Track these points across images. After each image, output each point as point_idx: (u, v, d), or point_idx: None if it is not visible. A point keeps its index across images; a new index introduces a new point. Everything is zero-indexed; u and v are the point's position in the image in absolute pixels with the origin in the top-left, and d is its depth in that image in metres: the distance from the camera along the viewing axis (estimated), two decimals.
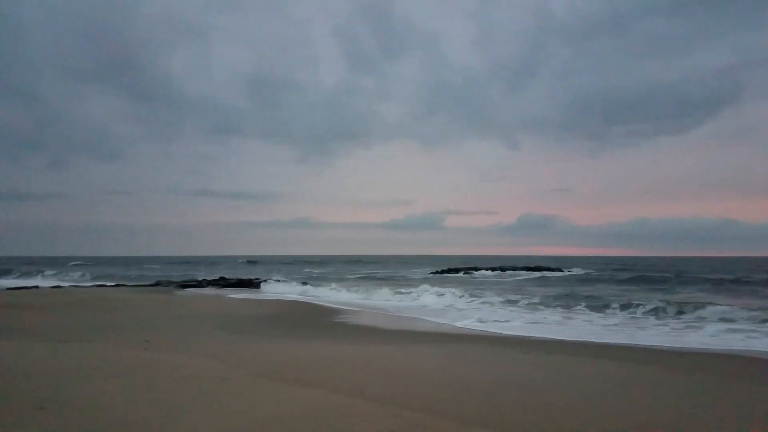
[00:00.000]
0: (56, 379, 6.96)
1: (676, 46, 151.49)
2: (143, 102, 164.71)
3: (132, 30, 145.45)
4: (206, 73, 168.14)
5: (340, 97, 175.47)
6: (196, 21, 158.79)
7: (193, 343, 11.78)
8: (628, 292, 32.16)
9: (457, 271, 65.16)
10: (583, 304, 22.68)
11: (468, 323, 18.06)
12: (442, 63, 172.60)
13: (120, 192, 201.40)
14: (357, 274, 61.25)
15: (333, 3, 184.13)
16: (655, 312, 20.16)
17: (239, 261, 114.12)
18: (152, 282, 43.57)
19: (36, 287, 34.67)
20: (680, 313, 19.53)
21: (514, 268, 68.25)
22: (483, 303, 24.97)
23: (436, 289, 30.43)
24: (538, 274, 60.67)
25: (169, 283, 41.32)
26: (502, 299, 25.88)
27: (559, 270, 66.28)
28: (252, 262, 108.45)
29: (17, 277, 55.62)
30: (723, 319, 17.80)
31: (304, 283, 38.68)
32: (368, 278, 51.23)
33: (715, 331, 15.75)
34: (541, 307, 23.13)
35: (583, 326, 17.42)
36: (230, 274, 52.23)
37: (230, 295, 30.58)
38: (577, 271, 65.40)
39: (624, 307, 21.52)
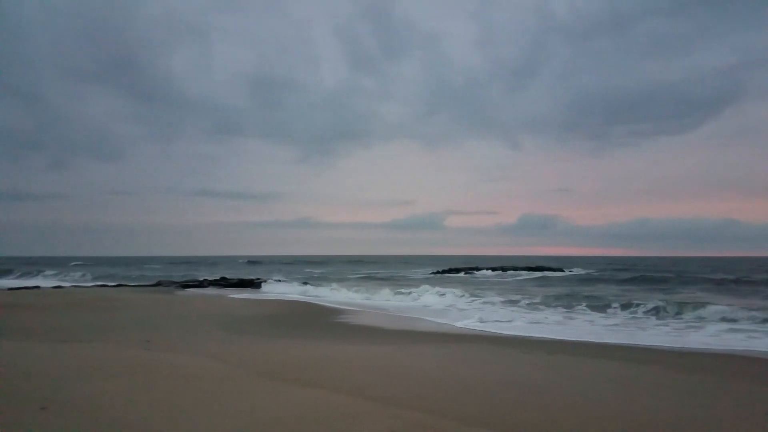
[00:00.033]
0: (57, 379, 6.97)
1: (677, 46, 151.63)
2: (143, 102, 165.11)
3: (132, 30, 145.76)
4: (207, 73, 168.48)
5: (341, 97, 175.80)
6: (197, 21, 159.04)
7: (193, 343, 11.79)
8: (628, 292, 32.14)
9: (458, 271, 65.13)
10: (584, 304, 22.67)
11: (469, 323, 18.06)
12: (443, 63, 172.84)
13: (121, 192, 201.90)
14: (358, 274, 61.25)
15: (333, 3, 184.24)
16: (656, 312, 20.16)
17: (240, 261, 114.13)
18: (153, 282, 43.61)
19: (37, 287, 34.70)
20: (681, 313, 19.53)
21: (515, 268, 68.22)
22: (484, 303, 24.97)
23: (437, 289, 30.43)
24: (539, 274, 60.64)
25: (170, 283, 41.37)
26: (503, 299, 25.88)
27: (560, 270, 66.24)
28: (253, 262, 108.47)
29: (18, 277, 55.66)
30: (724, 319, 17.80)
31: (305, 283, 38.69)
32: (369, 278, 51.22)
33: (716, 331, 15.75)
34: (542, 307, 23.12)
35: (584, 326, 17.41)
36: (231, 274, 52.26)
37: (231, 295, 30.59)
38: (577, 271, 65.35)
39: (625, 307, 21.51)
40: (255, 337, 13.61)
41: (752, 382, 8.90)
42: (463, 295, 27.53)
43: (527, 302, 24.60)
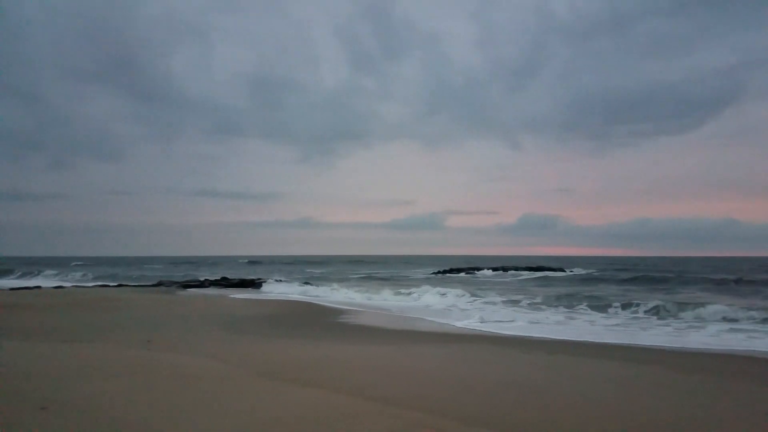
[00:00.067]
0: (57, 379, 6.97)
1: (677, 46, 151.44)
2: (144, 102, 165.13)
3: (132, 30, 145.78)
4: (207, 73, 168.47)
5: (341, 97, 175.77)
6: (197, 21, 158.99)
7: (194, 343, 11.80)
8: (629, 292, 32.13)
9: (458, 271, 65.12)
10: (585, 304, 22.67)
11: (470, 323, 18.06)
12: (443, 63, 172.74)
13: (121, 192, 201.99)
14: (358, 274, 61.25)
15: (334, 3, 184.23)
16: (657, 312, 20.16)
17: (240, 261, 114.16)
18: (154, 282, 43.64)
19: (38, 287, 34.72)
20: (681, 312, 19.51)
21: (516, 268, 68.22)
22: (485, 303, 24.98)
23: (438, 289, 30.44)
24: (539, 274, 60.64)
25: (171, 283, 41.39)
26: (503, 299, 25.88)
27: (561, 270, 66.21)
28: (253, 262, 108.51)
29: (18, 277, 55.73)
30: (724, 319, 17.81)
31: (306, 283, 38.71)
32: (369, 278, 51.23)
33: (717, 331, 15.74)
34: (543, 307, 23.13)
35: (584, 326, 17.41)
36: (232, 274, 52.28)
37: (232, 295, 30.60)
38: (578, 271, 65.31)
39: (625, 307, 21.51)
40: (255, 337, 13.62)
41: (753, 382, 8.89)
42: (463, 295, 27.53)
43: (528, 302, 24.61)
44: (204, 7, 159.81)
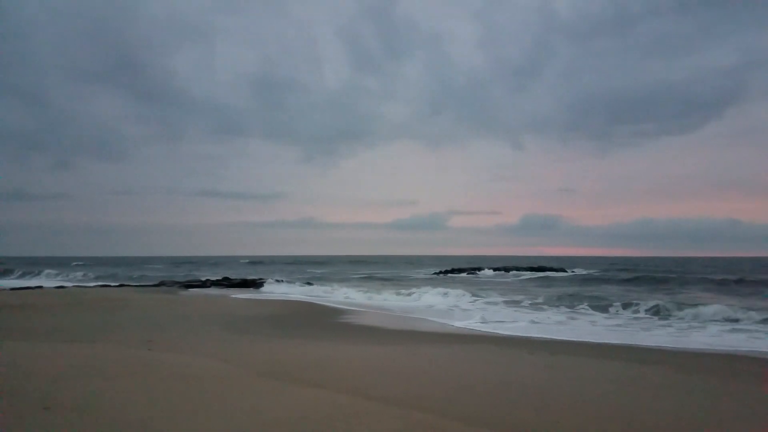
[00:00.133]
0: (58, 379, 6.98)
1: (679, 46, 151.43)
2: (146, 102, 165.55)
3: (134, 31, 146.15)
4: (210, 73, 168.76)
5: (343, 98, 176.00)
6: (200, 22, 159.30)
7: (195, 344, 11.80)
8: (631, 292, 32.09)
9: (460, 271, 65.13)
10: (587, 305, 22.67)
11: (471, 323, 18.05)
12: (446, 63, 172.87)
13: (123, 192, 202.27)
14: (360, 274, 61.27)
15: (336, 3, 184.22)
16: (659, 312, 20.15)
17: (242, 261, 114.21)
18: (156, 282, 43.69)
19: (40, 287, 34.78)
20: (683, 313, 19.50)
21: (518, 269, 68.23)
22: (487, 303, 24.99)
23: (440, 289, 30.45)
24: (541, 274, 60.65)
25: (173, 284, 41.43)
26: (505, 299, 25.90)
27: (563, 270, 66.21)
28: (255, 262, 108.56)
29: (19, 277, 55.83)
30: (726, 320, 17.80)
31: (308, 284, 38.75)
32: (371, 278, 51.24)
33: (719, 331, 15.73)
34: (545, 307, 23.13)
35: (586, 326, 17.40)
36: (234, 274, 52.32)
37: (234, 295, 30.63)
38: (580, 271, 65.30)
39: (627, 307, 21.51)
40: (256, 337, 13.62)
41: (754, 383, 8.88)
42: (465, 295, 27.54)
43: (530, 302, 24.62)
44: (206, 7, 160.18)
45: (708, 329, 16.12)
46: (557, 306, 23.08)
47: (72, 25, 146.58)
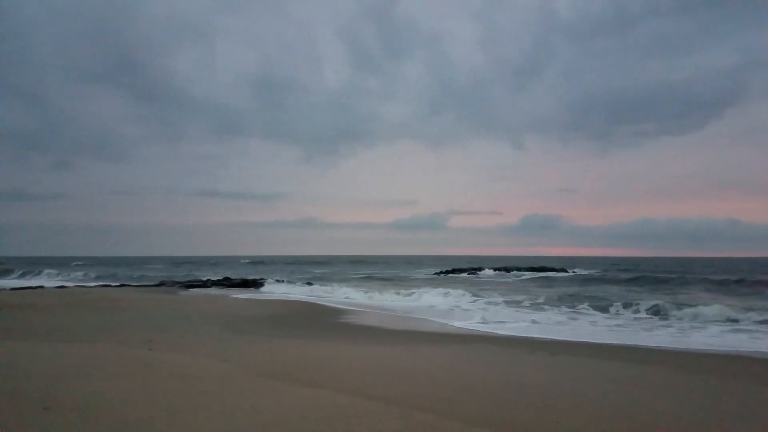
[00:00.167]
0: (59, 379, 6.98)
1: (680, 47, 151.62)
2: (146, 103, 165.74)
3: (134, 31, 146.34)
4: (210, 73, 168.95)
5: (344, 98, 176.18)
6: (200, 22, 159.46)
7: (195, 343, 11.81)
8: (632, 292, 32.09)
9: (461, 271, 65.14)
10: (587, 305, 22.67)
11: (472, 323, 18.05)
12: (446, 63, 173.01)
13: (123, 192, 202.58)
14: (360, 274, 61.26)
15: (336, 3, 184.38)
16: (659, 312, 20.15)
17: (242, 261, 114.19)
18: (156, 282, 43.70)
19: (41, 287, 34.80)
20: (683, 313, 19.49)
21: (519, 269, 68.23)
22: (487, 303, 24.98)
23: (440, 289, 30.45)
24: (541, 274, 60.65)
25: (173, 283, 41.46)
26: (506, 299, 25.90)
27: (563, 270, 66.19)
28: (255, 262, 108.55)
29: (19, 277, 55.86)
30: (726, 320, 17.79)
31: (308, 284, 38.74)
32: (371, 278, 51.24)
33: (718, 331, 15.72)
34: (546, 307, 23.13)
35: (586, 327, 17.40)
36: (234, 274, 52.33)
37: (234, 295, 30.63)
38: (580, 271, 65.31)
39: (627, 307, 21.50)
40: (257, 337, 13.63)
41: (754, 383, 8.87)
42: (465, 295, 27.54)
43: (530, 302, 24.62)
44: (206, 7, 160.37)
45: (708, 329, 16.11)
46: (558, 306, 23.08)
47: (72, 25, 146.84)
